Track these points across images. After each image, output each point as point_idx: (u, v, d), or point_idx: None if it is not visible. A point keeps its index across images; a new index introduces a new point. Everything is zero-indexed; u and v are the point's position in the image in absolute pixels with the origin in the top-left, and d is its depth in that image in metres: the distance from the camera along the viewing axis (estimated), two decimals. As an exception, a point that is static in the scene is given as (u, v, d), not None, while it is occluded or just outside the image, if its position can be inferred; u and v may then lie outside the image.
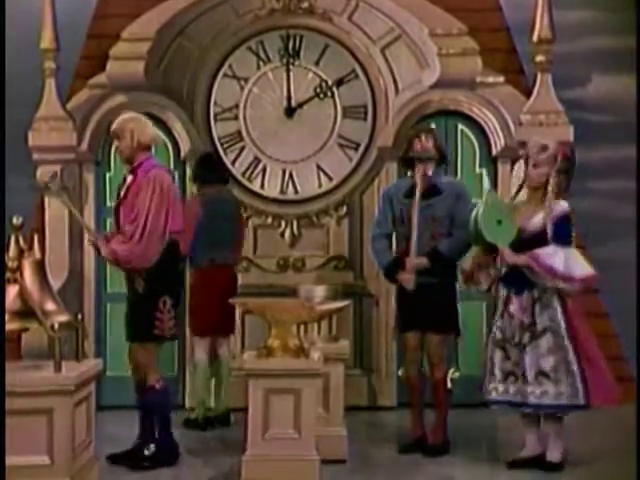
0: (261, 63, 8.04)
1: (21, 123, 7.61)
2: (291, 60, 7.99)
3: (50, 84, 7.78)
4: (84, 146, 7.84)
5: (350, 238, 8.03)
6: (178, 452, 5.99)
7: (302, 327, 5.87)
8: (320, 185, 8.06)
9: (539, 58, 7.77)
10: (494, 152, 7.92)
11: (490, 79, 7.89)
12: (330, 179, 8.05)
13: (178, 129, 7.93)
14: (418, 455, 6.10)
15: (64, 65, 7.81)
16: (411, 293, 6.17)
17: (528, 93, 7.86)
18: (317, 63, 8.02)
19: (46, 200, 7.83)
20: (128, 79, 7.80)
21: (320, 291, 6.27)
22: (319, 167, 8.05)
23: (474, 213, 5.80)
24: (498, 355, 5.78)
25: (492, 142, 7.91)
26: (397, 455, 6.18)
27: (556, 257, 5.66)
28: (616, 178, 7.96)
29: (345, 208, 8.03)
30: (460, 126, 7.96)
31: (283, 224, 8.01)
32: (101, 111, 7.84)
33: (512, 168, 7.88)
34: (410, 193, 6.20)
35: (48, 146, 7.73)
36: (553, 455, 5.77)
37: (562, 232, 5.75)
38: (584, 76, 8.14)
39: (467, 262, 6.01)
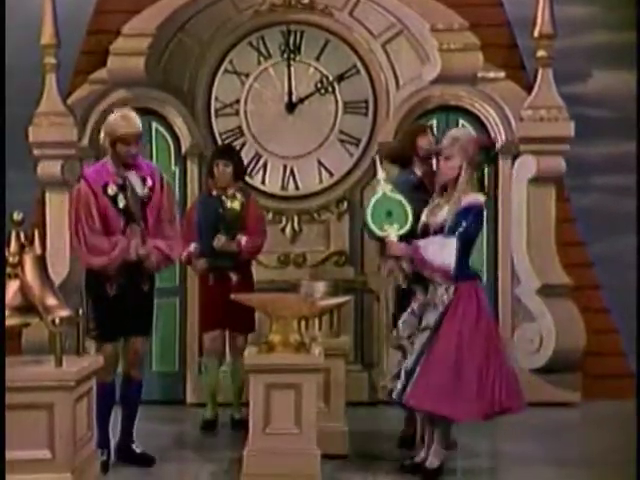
0: (262, 58, 8.03)
1: (21, 119, 7.60)
2: (292, 55, 7.99)
3: (50, 80, 7.78)
4: (85, 141, 7.84)
5: (351, 234, 8.02)
6: None
7: (303, 322, 5.86)
8: (321, 181, 8.05)
9: (540, 53, 7.77)
10: (495, 148, 7.91)
11: (491, 74, 7.88)
12: (331, 175, 8.05)
13: (179, 125, 7.92)
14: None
15: (64, 61, 7.81)
16: None
17: (529, 88, 7.85)
18: (318, 58, 8.02)
19: (47, 195, 7.84)
20: (128, 75, 7.79)
21: (321, 287, 6.27)
22: (320, 163, 8.05)
23: (366, 205, 5.70)
24: (395, 354, 5.70)
25: (493, 138, 7.90)
26: (397, 450, 6.18)
27: (431, 246, 5.52)
28: (617, 173, 7.96)
29: (346, 204, 8.02)
30: (461, 121, 7.94)
31: (284, 220, 8.01)
32: (102, 106, 7.83)
33: (513, 163, 7.92)
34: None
35: (49, 142, 7.73)
36: (430, 461, 5.63)
37: (455, 223, 5.55)
38: (585, 71, 8.13)
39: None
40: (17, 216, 5.09)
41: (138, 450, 5.95)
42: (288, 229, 8.00)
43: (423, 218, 5.68)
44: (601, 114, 8.08)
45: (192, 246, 6.89)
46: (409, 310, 5.68)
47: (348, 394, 6.19)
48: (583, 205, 8.05)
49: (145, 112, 7.72)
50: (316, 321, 6.18)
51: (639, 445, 5.05)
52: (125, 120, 5.80)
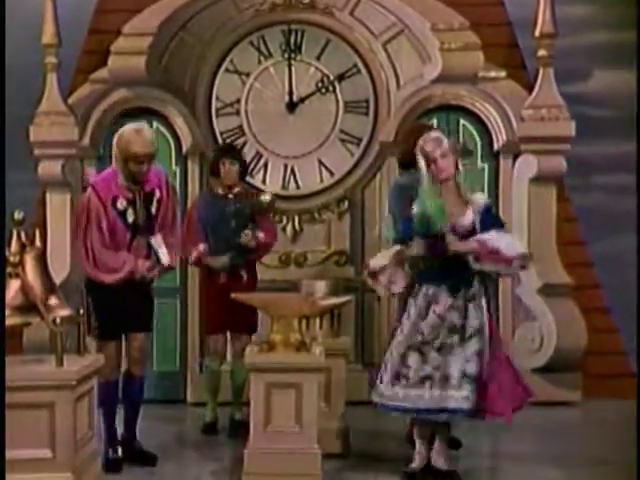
0: (262, 58, 8.04)
1: (22, 118, 7.61)
2: (293, 55, 7.99)
3: (51, 79, 7.78)
4: (86, 141, 7.85)
5: (352, 233, 8.03)
6: None
7: (304, 322, 5.85)
8: (322, 180, 8.06)
9: (541, 53, 7.77)
10: (496, 147, 7.92)
11: (492, 74, 7.89)
12: (332, 174, 8.05)
13: (180, 124, 7.92)
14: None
15: (65, 60, 7.82)
16: None
17: (530, 88, 7.86)
18: (319, 58, 8.02)
19: (47, 195, 7.84)
20: (129, 74, 7.80)
21: (322, 286, 6.27)
22: (321, 162, 8.05)
23: (420, 201, 5.54)
24: (414, 359, 5.45)
25: (494, 137, 7.91)
26: (398, 449, 6.18)
27: (502, 241, 5.45)
28: (617, 173, 7.96)
29: (347, 203, 8.03)
30: (462, 121, 7.95)
31: (285, 219, 8.01)
32: (102, 106, 7.85)
33: (514, 163, 7.92)
34: None
35: (50, 141, 7.73)
36: (441, 462, 5.57)
37: (494, 220, 5.56)
38: (585, 71, 8.13)
39: (377, 260, 5.68)
40: (18, 215, 5.09)
41: (142, 448, 5.95)
42: (289, 228, 8.01)
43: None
44: (602, 113, 8.08)
45: (201, 247, 6.79)
46: (433, 313, 5.49)
47: (348, 393, 6.19)
48: (584, 204, 8.05)
49: (146, 112, 7.76)
50: (317, 320, 6.18)
51: (639, 445, 5.05)
52: (140, 138, 5.68)
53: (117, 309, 5.76)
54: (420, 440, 5.64)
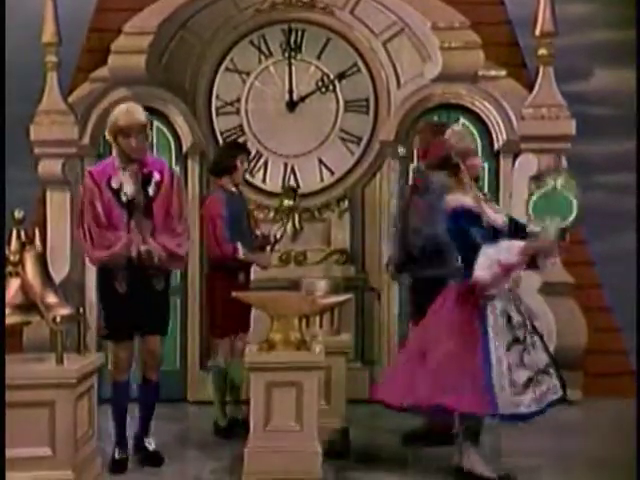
0: (263, 57, 8.04)
1: (22, 117, 7.61)
2: (293, 54, 7.99)
3: (52, 78, 7.78)
4: (86, 140, 7.84)
5: (352, 232, 8.03)
6: None
7: (304, 320, 5.86)
8: (322, 179, 8.06)
9: (541, 51, 7.77)
10: (496, 146, 7.91)
11: (492, 72, 7.88)
12: (332, 173, 8.06)
13: (180, 123, 7.92)
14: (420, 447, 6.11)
15: (66, 59, 7.81)
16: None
17: (530, 87, 7.85)
18: (319, 57, 8.02)
19: (47, 194, 7.84)
20: (130, 73, 7.79)
21: (322, 285, 6.28)
22: (321, 161, 8.06)
23: (574, 199, 5.49)
24: (516, 360, 5.37)
25: (494, 136, 7.90)
26: (399, 448, 6.18)
27: None
28: (618, 172, 7.96)
29: (347, 202, 8.03)
30: (462, 120, 7.94)
31: (285, 218, 8.00)
32: (103, 105, 7.84)
33: (514, 162, 7.92)
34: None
35: (50, 140, 7.73)
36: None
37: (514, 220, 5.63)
38: (586, 69, 8.14)
39: (508, 254, 5.33)
40: (18, 214, 5.11)
41: (151, 447, 5.92)
42: (289, 227, 7.99)
43: (498, 216, 5.49)
44: (602, 112, 8.08)
45: (239, 245, 6.62)
46: (505, 312, 5.42)
47: (349, 392, 6.19)
48: (584, 203, 8.03)
49: (146, 110, 7.72)
50: (317, 319, 6.19)
51: (639, 444, 5.05)
52: (127, 112, 5.75)
53: (127, 310, 5.69)
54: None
